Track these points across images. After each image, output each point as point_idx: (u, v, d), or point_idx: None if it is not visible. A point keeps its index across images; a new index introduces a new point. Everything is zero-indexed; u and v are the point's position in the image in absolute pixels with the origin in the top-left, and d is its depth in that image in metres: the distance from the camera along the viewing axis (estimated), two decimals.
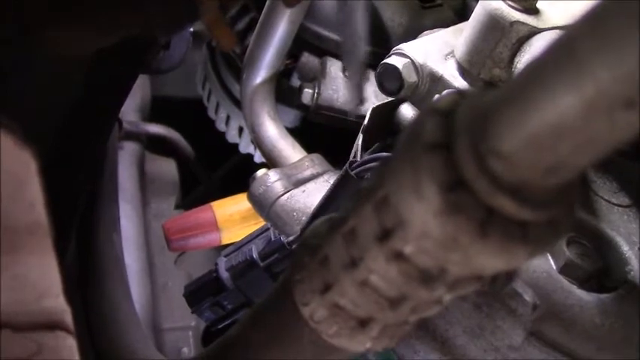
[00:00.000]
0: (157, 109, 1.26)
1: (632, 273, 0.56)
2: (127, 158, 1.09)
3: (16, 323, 0.35)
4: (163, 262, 1.11)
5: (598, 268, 0.56)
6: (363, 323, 0.34)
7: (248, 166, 1.05)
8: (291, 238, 0.64)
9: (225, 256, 0.66)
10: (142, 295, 0.97)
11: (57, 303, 0.35)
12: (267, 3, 0.82)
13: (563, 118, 0.23)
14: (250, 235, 0.66)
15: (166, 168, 1.22)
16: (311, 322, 0.35)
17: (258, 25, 0.84)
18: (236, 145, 1.10)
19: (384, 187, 0.29)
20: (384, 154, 0.57)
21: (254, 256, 0.64)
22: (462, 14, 0.98)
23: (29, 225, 0.30)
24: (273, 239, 0.64)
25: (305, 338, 0.36)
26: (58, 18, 0.47)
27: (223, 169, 1.19)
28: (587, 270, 0.55)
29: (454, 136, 0.25)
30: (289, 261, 0.37)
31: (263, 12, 0.83)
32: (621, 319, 0.53)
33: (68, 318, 0.37)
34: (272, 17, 0.82)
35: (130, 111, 1.12)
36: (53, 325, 0.36)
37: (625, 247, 0.58)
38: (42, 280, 0.33)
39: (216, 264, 0.66)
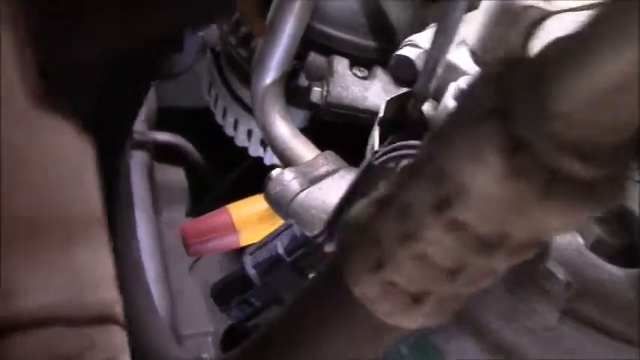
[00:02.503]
0: (161, 121, 1.26)
1: None
2: (137, 167, 1.09)
3: (68, 317, 0.35)
4: (178, 270, 1.11)
5: (626, 244, 0.56)
6: (417, 299, 0.34)
7: (258, 170, 1.05)
8: (316, 232, 0.64)
9: (251, 254, 0.66)
10: (159, 302, 0.97)
11: (110, 294, 0.35)
12: (274, 2, 0.83)
13: (625, 74, 0.23)
14: (274, 232, 0.67)
15: (175, 176, 1.22)
16: (364, 301, 0.35)
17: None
18: (244, 152, 1.11)
19: (438, 159, 0.29)
20: (410, 142, 0.57)
21: (280, 252, 0.64)
22: (469, 10, 0.98)
23: (86, 216, 0.30)
24: (298, 235, 0.64)
25: (357, 319, 0.36)
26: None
27: (234, 173, 1.19)
28: (616, 246, 0.55)
29: (511, 99, 0.26)
30: (335, 243, 0.37)
31: (270, 11, 0.83)
32: None
33: (119, 309, 0.37)
34: (280, 16, 0.82)
35: (137, 121, 1.12)
36: (105, 318, 0.36)
37: None
38: (97, 272, 0.33)
39: (243, 262, 0.66)
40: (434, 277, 0.32)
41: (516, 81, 0.26)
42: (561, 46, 0.25)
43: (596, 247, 0.55)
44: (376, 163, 0.58)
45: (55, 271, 0.30)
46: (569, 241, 0.55)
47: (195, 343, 1.04)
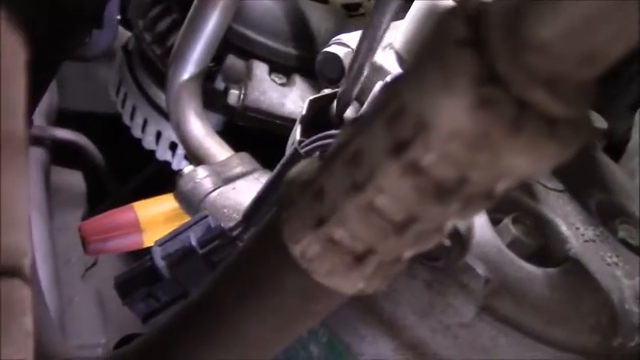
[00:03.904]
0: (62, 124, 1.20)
1: (572, 250, 0.58)
2: (32, 165, 1.02)
3: None
4: (69, 277, 1.04)
5: (541, 245, 0.57)
6: (360, 258, 0.32)
7: (163, 177, 1.01)
8: (233, 224, 0.62)
9: (160, 245, 0.62)
10: (51, 308, 0.90)
11: (21, 241, 0.31)
12: None
13: (601, 3, 0.23)
14: (187, 222, 0.63)
15: (72, 179, 1.16)
16: (302, 261, 0.33)
17: (187, 18, 0.82)
18: (149, 158, 1.06)
19: (399, 98, 0.28)
20: (336, 131, 0.56)
21: (193, 244, 0.60)
22: None
23: (6, 134, 0.26)
24: (213, 226, 0.62)
25: (293, 281, 0.34)
26: None
27: (137, 179, 1.14)
28: (532, 246, 0.56)
29: (485, 31, 0.25)
30: (269, 211, 0.35)
31: (193, 6, 0.81)
32: (568, 292, 0.55)
33: (28, 262, 0.33)
34: (202, 11, 0.80)
35: (36, 115, 1.06)
36: (10, 270, 0.32)
37: (563, 227, 0.60)
38: (10, 208, 0.29)
39: (151, 252, 0.62)
40: (380, 232, 0.31)
41: (492, 13, 0.25)
42: None
43: (512, 246, 0.56)
44: (302, 151, 0.56)
45: None
46: (489, 238, 0.55)
47: (84, 354, 0.97)
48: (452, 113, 0.25)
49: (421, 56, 0.27)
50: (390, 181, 0.29)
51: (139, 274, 0.61)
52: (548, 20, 0.24)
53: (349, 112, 0.71)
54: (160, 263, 0.61)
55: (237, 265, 0.37)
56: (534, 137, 0.25)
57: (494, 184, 0.28)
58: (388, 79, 0.62)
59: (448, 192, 0.28)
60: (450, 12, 0.26)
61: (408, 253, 0.33)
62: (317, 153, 0.57)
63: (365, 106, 0.64)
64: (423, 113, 0.26)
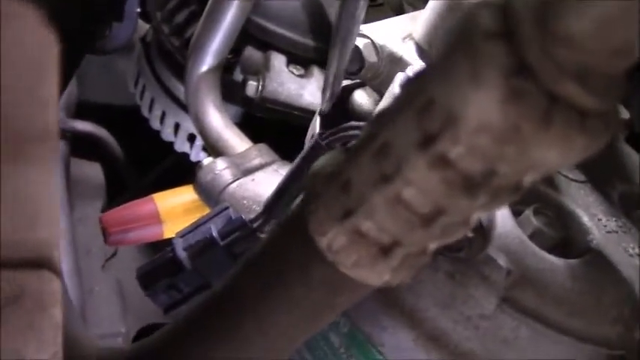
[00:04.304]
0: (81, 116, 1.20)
1: (594, 242, 0.58)
2: None
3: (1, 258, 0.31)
4: (90, 267, 1.05)
5: (563, 236, 0.57)
6: (386, 250, 0.32)
7: (181, 169, 1.01)
8: (253, 216, 0.62)
9: (182, 236, 0.63)
10: (72, 297, 0.91)
11: (50, 233, 0.31)
12: None
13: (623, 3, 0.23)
14: (208, 214, 0.64)
15: (91, 171, 1.16)
16: (328, 253, 0.33)
17: (206, 9, 0.82)
18: (167, 151, 1.07)
19: (428, 91, 0.28)
20: (359, 123, 0.56)
21: (214, 235, 0.61)
22: (399, 13, 1.00)
23: (39, 129, 0.26)
24: (233, 218, 0.62)
25: (318, 272, 0.34)
26: None
27: (156, 171, 1.15)
28: (554, 237, 0.56)
29: (515, 22, 0.25)
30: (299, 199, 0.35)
31: None
32: (590, 284, 0.54)
33: (57, 255, 0.33)
34: (221, 2, 0.80)
35: None
36: (40, 263, 0.32)
37: (585, 218, 0.59)
38: (40, 202, 0.29)
39: (173, 243, 0.62)
40: (407, 224, 0.31)
41: (519, 4, 0.25)
42: None
43: (534, 238, 0.56)
44: (323, 142, 0.56)
45: None
46: (510, 229, 0.55)
47: (104, 344, 0.98)
48: (481, 106, 0.25)
49: (449, 49, 0.27)
50: (418, 173, 0.29)
51: (160, 266, 0.61)
52: (576, 13, 0.24)
53: (368, 103, 0.71)
54: (182, 254, 0.61)
55: (262, 256, 0.37)
56: (564, 130, 0.25)
57: (522, 176, 0.28)
58: (409, 70, 0.62)
59: (476, 185, 0.28)
60: (478, 4, 0.26)
61: (433, 245, 0.33)
62: (338, 144, 0.57)
63: (384, 97, 0.64)
64: (452, 106, 0.26)
